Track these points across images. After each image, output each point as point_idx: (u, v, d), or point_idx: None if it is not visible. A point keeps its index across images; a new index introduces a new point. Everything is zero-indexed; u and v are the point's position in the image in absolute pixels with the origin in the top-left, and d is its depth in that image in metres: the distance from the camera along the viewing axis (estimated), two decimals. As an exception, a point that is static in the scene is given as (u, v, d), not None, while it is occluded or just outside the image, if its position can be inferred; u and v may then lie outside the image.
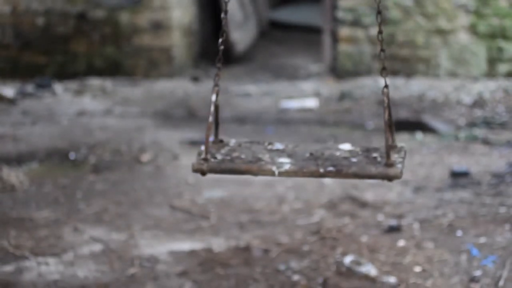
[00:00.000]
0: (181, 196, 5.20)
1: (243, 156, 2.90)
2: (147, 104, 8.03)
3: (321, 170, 2.73)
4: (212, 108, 2.90)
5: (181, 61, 9.20)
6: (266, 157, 2.88)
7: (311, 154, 2.87)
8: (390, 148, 2.74)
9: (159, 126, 7.15)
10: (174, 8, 8.94)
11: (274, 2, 12.54)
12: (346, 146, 2.92)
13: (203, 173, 2.85)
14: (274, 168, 2.78)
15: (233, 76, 9.31)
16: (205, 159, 2.85)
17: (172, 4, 8.91)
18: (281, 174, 2.77)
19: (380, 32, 2.82)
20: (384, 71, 2.80)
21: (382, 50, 2.81)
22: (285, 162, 2.81)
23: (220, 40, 2.95)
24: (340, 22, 8.71)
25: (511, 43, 8.43)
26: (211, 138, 2.94)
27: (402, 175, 2.71)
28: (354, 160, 2.80)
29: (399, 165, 2.73)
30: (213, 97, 2.93)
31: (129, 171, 5.77)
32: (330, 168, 2.73)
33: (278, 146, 2.98)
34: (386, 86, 2.76)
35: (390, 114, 2.75)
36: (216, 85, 2.94)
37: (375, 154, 2.84)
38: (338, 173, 2.73)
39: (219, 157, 2.90)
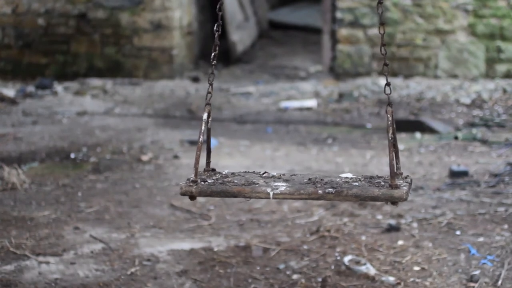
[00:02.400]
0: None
1: (236, 181, 2.75)
2: (147, 104, 8.05)
3: (320, 191, 2.62)
4: (203, 127, 2.73)
5: (181, 61, 9.22)
6: (260, 181, 2.74)
7: (309, 179, 2.76)
8: (395, 174, 2.65)
9: (159, 125, 7.16)
10: (174, 9, 8.95)
11: (273, 2, 12.56)
12: (348, 175, 2.82)
13: (192, 196, 2.68)
14: (269, 190, 2.64)
15: (233, 76, 9.33)
16: (194, 181, 2.68)
17: (172, 5, 8.93)
18: (276, 196, 2.64)
19: (385, 62, 2.74)
20: (387, 86, 2.72)
21: (387, 78, 2.74)
22: (281, 185, 2.68)
23: (216, 35, 2.82)
24: (339, 23, 8.72)
25: (510, 44, 8.45)
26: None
27: (407, 197, 2.60)
28: (355, 183, 2.70)
29: (405, 188, 2.62)
30: (205, 115, 2.76)
31: (130, 170, 5.78)
32: (330, 190, 2.62)
33: (274, 174, 2.86)
34: (389, 104, 2.68)
35: (394, 133, 2.66)
36: (208, 92, 2.78)
37: (378, 180, 2.74)
38: (338, 195, 2.61)
39: (210, 181, 2.75)
